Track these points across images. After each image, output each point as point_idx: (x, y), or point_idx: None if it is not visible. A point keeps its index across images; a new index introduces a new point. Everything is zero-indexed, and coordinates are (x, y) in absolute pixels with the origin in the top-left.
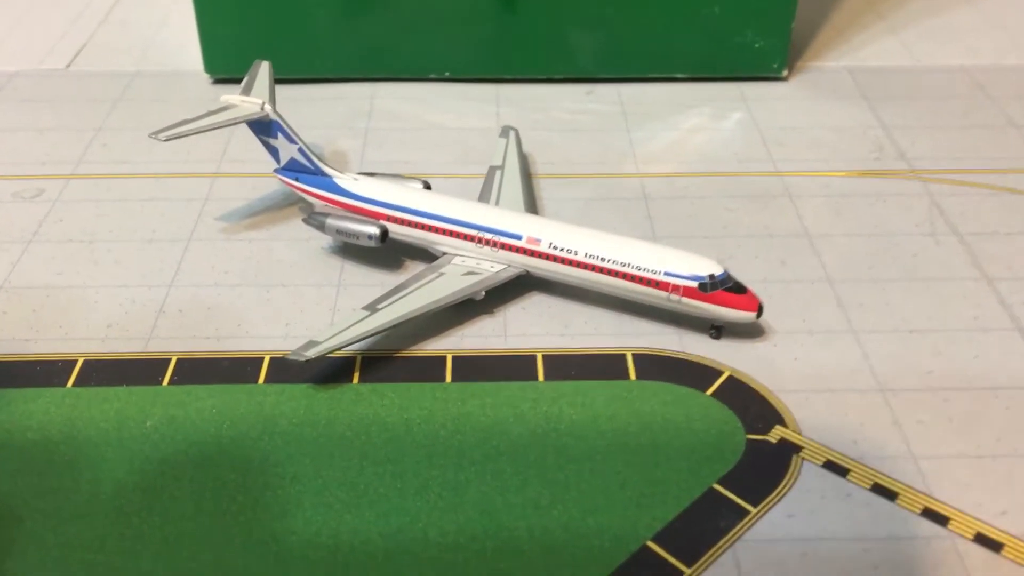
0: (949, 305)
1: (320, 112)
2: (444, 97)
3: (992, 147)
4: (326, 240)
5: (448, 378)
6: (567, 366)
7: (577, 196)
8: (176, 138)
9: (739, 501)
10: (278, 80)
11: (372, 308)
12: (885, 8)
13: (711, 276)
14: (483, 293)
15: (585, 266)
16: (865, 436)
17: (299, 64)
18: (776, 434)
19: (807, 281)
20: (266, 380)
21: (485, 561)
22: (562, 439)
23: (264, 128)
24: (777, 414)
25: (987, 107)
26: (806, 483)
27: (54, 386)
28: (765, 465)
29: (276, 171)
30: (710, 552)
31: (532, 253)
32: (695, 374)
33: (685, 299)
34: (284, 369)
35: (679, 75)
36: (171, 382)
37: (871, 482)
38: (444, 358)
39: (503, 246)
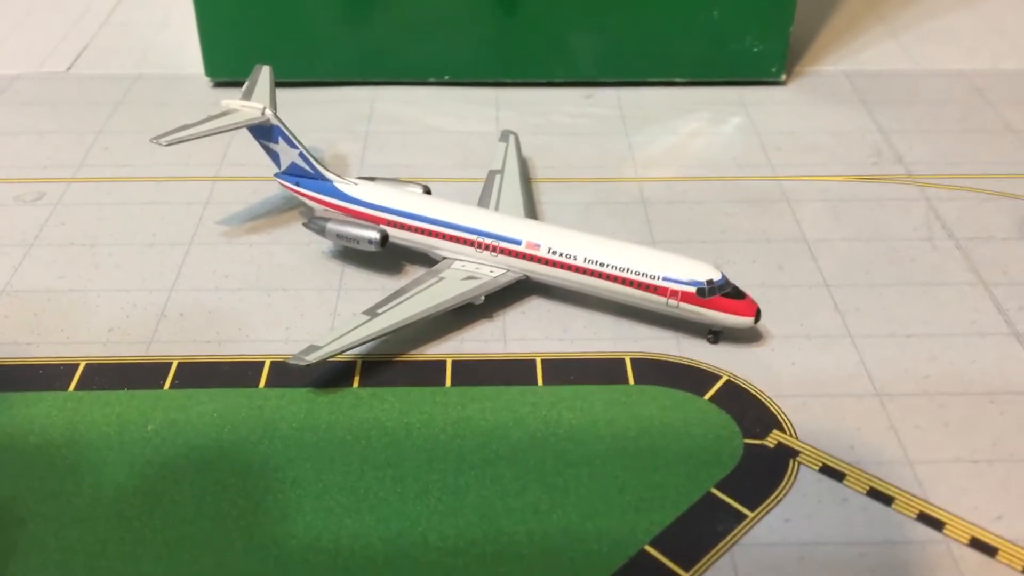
0: (946, 310)
1: (320, 115)
2: (444, 101)
3: (990, 152)
4: (326, 244)
5: (448, 382)
6: (566, 370)
7: (576, 200)
8: (177, 143)
9: (737, 505)
10: (278, 83)
11: (372, 312)
12: (884, 12)
13: (709, 281)
14: (483, 297)
15: (584, 271)
16: (861, 441)
17: (299, 67)
18: (773, 438)
19: (805, 286)
20: (267, 384)
21: (485, 565)
22: (561, 443)
23: (265, 133)
24: (774, 418)
25: (985, 111)
26: (803, 487)
27: (56, 390)
28: (762, 469)
29: (277, 175)
30: (708, 556)
31: (531, 258)
32: (693, 378)
33: (684, 304)
34: (285, 373)
35: (678, 79)
36: (172, 386)
37: (867, 486)
38: (444, 362)
39: (503, 251)
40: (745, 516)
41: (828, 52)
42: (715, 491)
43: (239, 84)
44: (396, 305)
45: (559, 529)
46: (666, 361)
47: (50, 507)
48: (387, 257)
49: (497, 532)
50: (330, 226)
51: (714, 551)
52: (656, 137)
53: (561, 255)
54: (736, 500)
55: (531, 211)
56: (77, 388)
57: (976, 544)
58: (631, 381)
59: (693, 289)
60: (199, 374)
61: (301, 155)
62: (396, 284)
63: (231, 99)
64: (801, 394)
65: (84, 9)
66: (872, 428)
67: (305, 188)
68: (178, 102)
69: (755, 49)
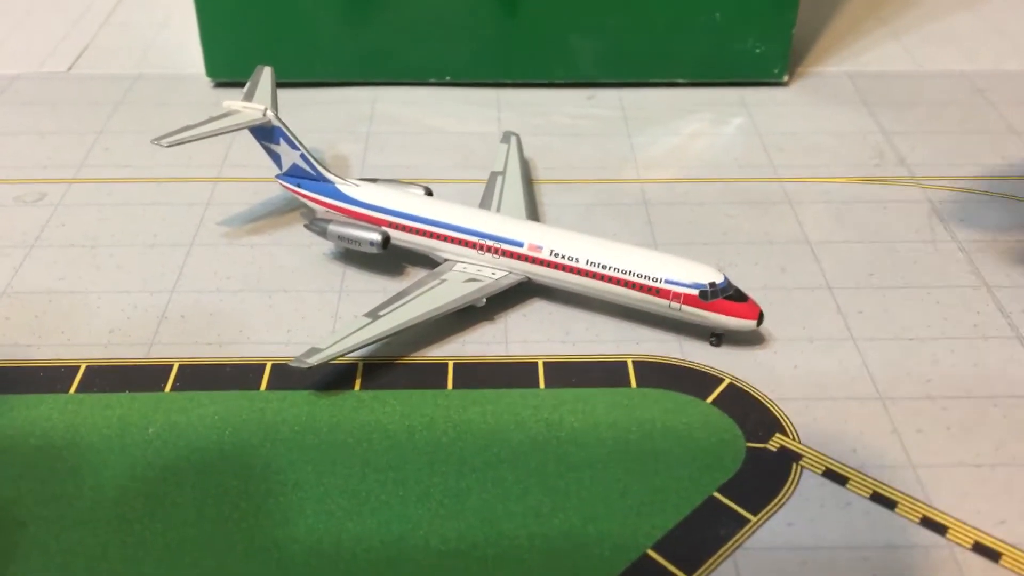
0: (949, 313)
1: (321, 116)
2: (445, 101)
3: (992, 153)
4: (328, 246)
5: (449, 385)
6: (568, 373)
7: (578, 201)
8: (178, 144)
9: (739, 509)
10: (279, 84)
11: (374, 315)
12: (886, 13)
13: (712, 284)
14: (484, 300)
15: (586, 273)
16: (864, 444)
17: (300, 68)
18: (776, 442)
19: (807, 288)
20: (268, 387)
21: (486, 569)
22: (563, 446)
23: (266, 134)
24: (777, 422)
25: (987, 113)
26: (805, 491)
27: (56, 392)
28: (765, 473)
29: (278, 177)
30: (710, 560)
31: (533, 260)
32: (695, 382)
33: (686, 307)
34: (286, 376)
35: (680, 80)
36: (173, 388)
37: (870, 491)
38: (445, 365)
39: (505, 253)
40: (748, 520)
41: (830, 53)
42: (717, 495)
43: (240, 84)
44: (398, 307)
45: (561, 533)
46: (668, 364)
47: (51, 510)
48: (389, 259)
49: (499, 535)
50: (331, 228)
51: (716, 555)
52: (658, 138)
53: (563, 257)
54: (738, 504)
55: (533, 213)
56: (78, 390)
57: (979, 549)
58: (633, 384)
59: (695, 292)
60: (200, 376)
61: (302, 156)
62: (398, 286)
63: (232, 100)
64: (804, 397)
65: (84, 9)
66: (875, 432)
67: (306, 189)
68: (179, 102)
69: (757, 50)
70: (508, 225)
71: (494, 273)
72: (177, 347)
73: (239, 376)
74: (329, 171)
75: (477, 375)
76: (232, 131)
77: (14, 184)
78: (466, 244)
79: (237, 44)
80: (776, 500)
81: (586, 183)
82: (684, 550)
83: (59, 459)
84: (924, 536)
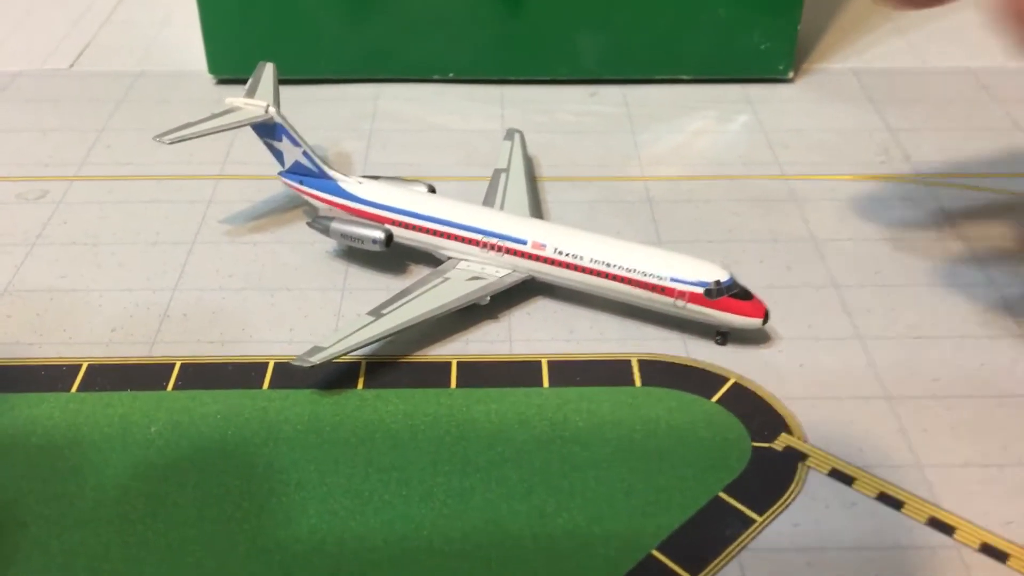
0: (955, 311)
1: (324, 113)
2: (448, 98)
3: (998, 150)
4: (330, 244)
5: (453, 384)
6: (572, 372)
7: (581, 199)
8: (180, 141)
9: (745, 509)
10: (281, 81)
11: (377, 313)
12: (890, 10)
13: (717, 282)
14: (488, 298)
15: (590, 271)
16: (871, 444)
17: (303, 65)
18: (782, 442)
19: (813, 286)
20: (270, 385)
21: (490, 569)
22: (567, 446)
23: (268, 131)
24: (783, 421)
25: (993, 110)
26: (812, 491)
27: (58, 391)
28: (771, 473)
29: (280, 174)
30: (716, 561)
31: (537, 258)
32: (700, 381)
33: (691, 305)
34: (288, 374)
35: (684, 76)
36: (175, 387)
37: (877, 491)
38: (449, 363)
39: (508, 251)
40: (753, 520)
41: (835, 50)
42: (723, 495)
43: (242, 81)
44: (401, 306)
45: (565, 532)
46: (673, 363)
47: (52, 509)
48: (392, 257)
49: (502, 535)
50: (334, 225)
51: (722, 556)
52: (662, 135)
53: (567, 255)
54: (744, 504)
55: (536, 210)
56: (79, 389)
57: (987, 549)
58: (638, 383)
59: (700, 290)
60: (202, 375)
61: (305, 153)
62: (401, 284)
63: (234, 97)
64: (810, 396)
65: (86, 6)
66: (881, 431)
67: (309, 187)
68: (181, 99)
69: (762, 46)
70: (512, 223)
71: (497, 271)
72: (179, 346)
73: (241, 375)
74: (331, 168)
75: (481, 374)
76: (234, 128)
77: (16, 181)
78: (469, 242)
79: (239, 41)
80: (782, 500)
81: (590, 180)
82: (689, 550)
83: (60, 458)
84: (931, 537)
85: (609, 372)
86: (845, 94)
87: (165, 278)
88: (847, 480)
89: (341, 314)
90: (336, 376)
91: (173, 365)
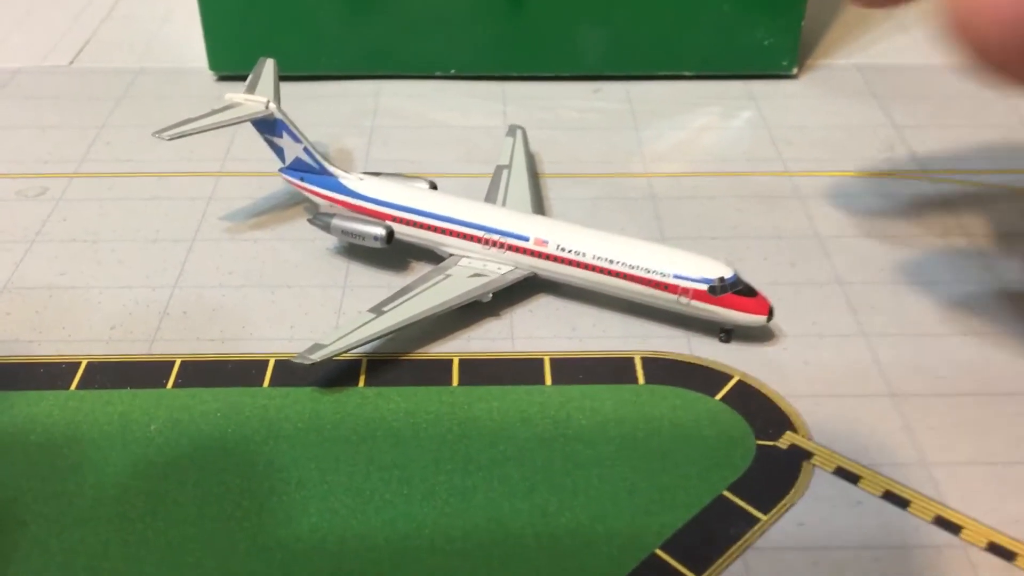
0: (960, 308)
1: (325, 110)
2: (449, 95)
3: (1003, 146)
4: (331, 241)
5: (455, 381)
6: (575, 370)
7: (584, 195)
8: (180, 137)
9: (749, 508)
10: (282, 77)
11: (378, 310)
12: None
13: (721, 279)
14: (490, 295)
15: (593, 268)
16: (876, 442)
17: (303, 61)
18: (786, 440)
19: (817, 283)
20: (271, 383)
21: (492, 569)
22: (570, 444)
23: (269, 127)
24: (787, 419)
25: (998, 105)
26: (816, 490)
27: (57, 388)
28: (775, 472)
29: (281, 170)
30: (720, 560)
31: (539, 255)
32: (704, 378)
33: (694, 302)
34: (289, 372)
35: (687, 73)
36: (175, 385)
37: (882, 489)
38: (451, 361)
39: (510, 247)
40: (758, 519)
41: (839, 45)
42: (727, 494)
43: (243, 78)
44: (402, 303)
45: (568, 531)
46: (676, 360)
47: (52, 508)
48: (393, 254)
49: (505, 534)
50: (335, 222)
51: (726, 555)
52: (665, 131)
53: (570, 252)
54: (748, 503)
55: (539, 207)
56: (79, 387)
57: (994, 548)
58: (641, 380)
59: (704, 287)
60: (202, 373)
61: (305, 150)
62: (402, 281)
63: (235, 93)
64: (814, 394)
65: (86, 3)
66: (887, 429)
67: (310, 183)
68: (181, 96)
69: (766, 42)
70: (514, 219)
71: (499, 268)
72: (179, 343)
73: (241, 372)
74: (332, 164)
75: (483, 371)
76: (234, 124)
77: (15, 178)
78: (471, 239)
79: (240, 37)
80: (787, 499)
81: (592, 177)
82: (693, 549)
83: (60, 456)
84: (938, 536)
85: (612, 370)
86: (849, 90)
87: (165, 275)
88: (852, 478)
89: (342, 311)
90: (337, 374)
91: (173, 363)
